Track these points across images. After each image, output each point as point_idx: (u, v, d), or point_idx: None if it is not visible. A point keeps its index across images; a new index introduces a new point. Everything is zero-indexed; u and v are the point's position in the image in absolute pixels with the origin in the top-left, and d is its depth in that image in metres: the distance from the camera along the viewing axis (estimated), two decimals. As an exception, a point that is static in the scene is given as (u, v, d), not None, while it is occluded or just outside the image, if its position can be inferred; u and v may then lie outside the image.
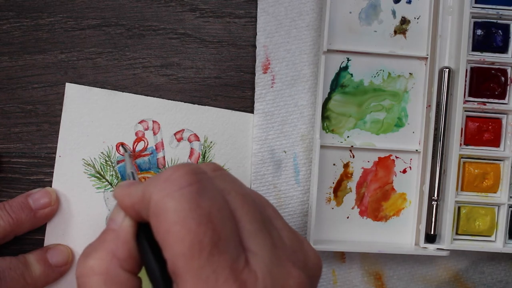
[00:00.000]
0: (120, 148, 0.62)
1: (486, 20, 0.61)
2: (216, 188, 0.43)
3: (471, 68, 0.62)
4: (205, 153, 0.63)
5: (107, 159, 0.62)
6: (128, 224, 0.45)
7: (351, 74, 0.62)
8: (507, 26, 0.61)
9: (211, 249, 0.39)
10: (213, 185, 0.43)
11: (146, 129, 0.63)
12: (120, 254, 0.44)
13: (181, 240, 0.39)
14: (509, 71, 0.62)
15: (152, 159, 0.63)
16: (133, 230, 0.45)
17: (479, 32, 0.61)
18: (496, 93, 0.62)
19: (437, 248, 0.61)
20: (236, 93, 0.64)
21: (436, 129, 0.62)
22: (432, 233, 0.62)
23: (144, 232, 0.45)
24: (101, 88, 0.62)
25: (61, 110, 0.62)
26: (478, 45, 0.61)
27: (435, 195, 0.61)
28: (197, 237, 0.39)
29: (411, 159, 0.63)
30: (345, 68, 0.62)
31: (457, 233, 0.62)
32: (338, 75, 0.62)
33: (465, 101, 0.61)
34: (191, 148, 0.63)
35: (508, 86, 0.62)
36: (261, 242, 0.41)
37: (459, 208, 0.62)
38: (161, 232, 0.40)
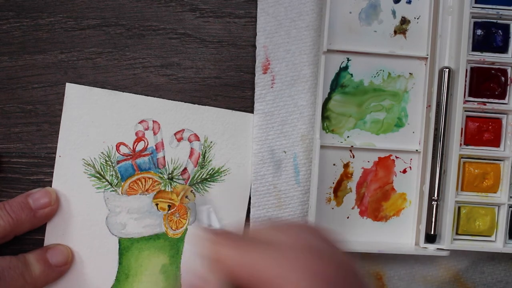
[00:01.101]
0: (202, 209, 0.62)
1: (486, 20, 0.61)
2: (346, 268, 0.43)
3: (471, 68, 0.62)
4: (205, 153, 0.63)
5: (107, 159, 0.62)
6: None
7: (351, 74, 0.62)
8: (507, 26, 0.62)
9: None
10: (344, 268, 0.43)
11: (146, 129, 0.63)
12: None
13: None
14: (509, 71, 0.62)
15: (152, 159, 0.63)
16: None
17: (479, 32, 0.61)
18: (496, 93, 0.62)
19: (437, 248, 0.62)
20: (236, 93, 0.64)
21: (436, 129, 0.62)
22: (432, 233, 0.62)
23: None
24: (101, 88, 0.62)
25: (61, 110, 0.62)
26: (478, 45, 0.61)
27: (435, 195, 0.61)
28: None
29: (411, 159, 0.63)
30: (345, 68, 0.62)
31: (457, 233, 0.62)
32: (338, 75, 0.62)
33: (465, 101, 0.61)
34: (191, 148, 0.63)
35: (508, 86, 0.62)
36: None
37: (459, 208, 0.62)
38: None
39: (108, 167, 0.62)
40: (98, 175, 0.62)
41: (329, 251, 0.43)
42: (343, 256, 0.44)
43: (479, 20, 0.61)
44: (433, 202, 0.62)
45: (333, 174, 0.63)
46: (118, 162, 0.63)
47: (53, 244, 0.62)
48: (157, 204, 0.63)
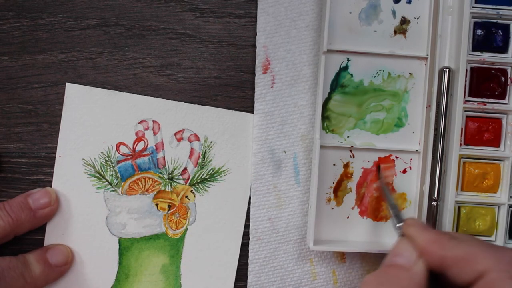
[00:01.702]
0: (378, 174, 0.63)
1: (486, 20, 0.61)
2: None
3: (471, 68, 0.62)
4: (205, 153, 0.63)
5: (107, 159, 0.62)
6: (423, 268, 0.46)
7: (351, 74, 0.62)
8: (507, 26, 0.61)
9: None
10: None
11: (146, 129, 0.63)
12: None
13: None
14: (509, 71, 0.62)
15: (152, 159, 0.63)
16: (427, 275, 0.46)
17: (479, 32, 0.61)
18: (496, 93, 0.62)
19: (437, 248, 0.61)
20: (236, 93, 0.64)
21: (436, 129, 0.62)
22: (432, 233, 0.62)
23: (434, 284, 0.45)
24: (101, 88, 0.63)
25: (61, 110, 0.62)
26: (478, 45, 0.61)
27: (435, 195, 0.61)
28: None
29: (411, 159, 0.63)
30: (345, 68, 0.62)
31: (457, 233, 0.62)
32: (338, 75, 0.62)
33: (465, 101, 0.61)
34: (191, 148, 0.63)
35: (508, 86, 0.62)
36: None
37: (459, 208, 0.62)
38: None
39: (108, 167, 0.63)
40: (98, 175, 0.62)
41: None
42: None
43: (479, 20, 0.61)
44: (433, 202, 0.62)
45: (333, 174, 0.63)
46: (118, 162, 0.63)
47: (53, 244, 0.62)
48: (157, 204, 0.63)
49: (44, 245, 0.62)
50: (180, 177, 0.63)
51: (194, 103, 0.63)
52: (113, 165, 0.63)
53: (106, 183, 0.63)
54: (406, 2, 0.62)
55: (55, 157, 0.62)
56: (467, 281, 0.44)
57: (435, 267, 0.46)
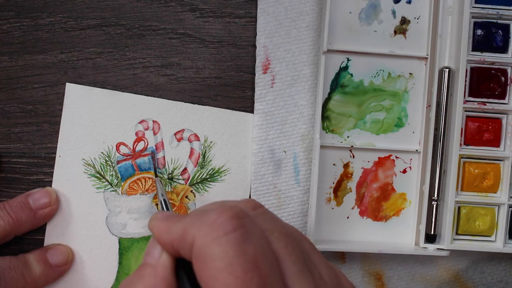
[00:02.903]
0: (154, 173, 0.63)
1: (486, 20, 0.61)
2: (260, 229, 0.42)
3: (471, 68, 0.62)
4: (205, 153, 0.63)
5: (107, 159, 0.62)
6: (166, 259, 0.45)
7: (351, 74, 0.62)
8: (507, 26, 0.61)
9: None
10: (257, 228, 0.42)
11: (146, 129, 0.63)
12: None
13: (227, 287, 0.39)
14: (509, 71, 0.62)
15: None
16: (171, 265, 0.45)
17: (479, 32, 0.61)
18: (496, 93, 0.62)
19: (437, 248, 0.62)
20: (236, 93, 0.64)
21: (436, 129, 0.62)
22: (432, 233, 0.62)
23: (183, 268, 0.44)
24: (101, 88, 0.62)
25: (61, 110, 0.62)
26: (478, 45, 0.61)
27: (435, 195, 0.61)
28: (244, 284, 0.39)
29: (411, 159, 0.63)
30: (345, 68, 0.62)
31: (457, 233, 0.62)
32: (338, 75, 0.62)
33: (465, 101, 0.61)
34: (191, 148, 0.63)
35: (508, 86, 0.62)
36: (304, 283, 0.41)
37: (459, 208, 0.62)
38: (206, 278, 0.40)
39: (108, 167, 0.62)
40: (98, 175, 0.62)
41: (257, 224, 0.43)
42: (271, 233, 0.43)
43: (479, 20, 0.61)
44: (433, 202, 0.62)
45: (333, 174, 0.63)
46: (118, 162, 0.63)
47: (53, 244, 0.62)
48: (157, 204, 0.63)
49: (44, 245, 0.62)
50: (180, 177, 0.63)
51: (194, 103, 0.63)
52: (113, 165, 0.63)
53: (106, 183, 0.63)
54: (406, 2, 0.62)
55: (55, 157, 0.62)
56: (190, 258, 0.43)
57: (179, 255, 0.45)
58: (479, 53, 0.62)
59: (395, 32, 0.63)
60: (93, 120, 0.62)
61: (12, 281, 0.57)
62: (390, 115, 0.63)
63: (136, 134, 0.63)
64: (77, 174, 0.62)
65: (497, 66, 0.62)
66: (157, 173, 0.63)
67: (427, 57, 0.62)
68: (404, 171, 0.63)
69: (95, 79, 0.62)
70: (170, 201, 0.63)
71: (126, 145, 0.63)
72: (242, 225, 0.41)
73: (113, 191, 0.63)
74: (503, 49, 0.62)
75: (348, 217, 0.63)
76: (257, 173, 0.63)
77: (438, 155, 0.61)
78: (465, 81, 0.61)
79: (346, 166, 0.63)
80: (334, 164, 0.63)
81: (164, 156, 0.63)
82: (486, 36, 0.61)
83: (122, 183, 0.63)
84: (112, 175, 0.63)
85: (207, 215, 0.42)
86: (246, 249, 0.40)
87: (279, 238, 0.42)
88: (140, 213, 0.63)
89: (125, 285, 0.45)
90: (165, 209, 0.57)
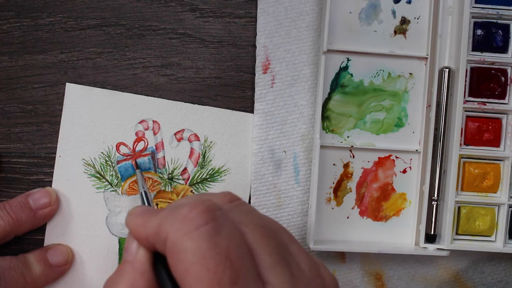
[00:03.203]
0: (134, 162, 0.62)
1: (486, 20, 0.61)
2: (233, 222, 0.43)
3: (471, 68, 0.62)
4: (205, 153, 0.63)
5: (107, 159, 0.62)
6: (143, 254, 0.45)
7: (351, 74, 0.62)
8: (507, 26, 0.61)
9: (230, 287, 0.39)
10: (230, 220, 0.42)
11: (146, 129, 0.63)
12: (139, 286, 0.44)
13: (200, 280, 0.39)
14: (509, 71, 0.62)
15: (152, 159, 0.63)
16: (149, 260, 0.45)
17: (479, 32, 0.61)
18: (496, 93, 0.62)
19: (437, 248, 0.62)
20: (236, 93, 0.64)
21: (436, 129, 0.62)
22: (432, 233, 0.62)
23: (161, 262, 0.44)
24: (101, 88, 0.62)
25: (61, 110, 0.62)
26: (478, 45, 0.61)
27: (435, 195, 0.61)
28: (216, 276, 0.39)
29: (411, 159, 0.63)
30: (345, 68, 0.62)
31: (457, 233, 0.62)
32: (338, 75, 0.62)
33: (465, 101, 0.61)
34: (191, 148, 0.63)
35: (508, 86, 0.62)
36: (280, 274, 0.41)
37: (459, 208, 0.62)
38: (180, 271, 0.40)
39: (108, 167, 0.62)
40: (98, 175, 0.62)
41: (229, 217, 0.43)
42: (246, 226, 0.43)
43: (479, 20, 0.61)
44: (433, 202, 0.62)
45: (333, 174, 0.63)
46: (118, 162, 0.63)
47: (53, 244, 0.62)
48: (157, 204, 0.63)
49: (44, 245, 0.62)
50: (180, 177, 0.63)
51: (194, 103, 0.63)
52: (113, 165, 0.63)
53: (106, 183, 0.63)
54: (406, 2, 0.62)
55: (55, 157, 0.62)
56: (165, 253, 0.43)
57: (155, 250, 0.45)
58: (479, 53, 0.62)
59: (395, 32, 0.63)
60: (93, 120, 0.62)
61: (12, 281, 0.57)
62: (390, 115, 0.63)
63: (136, 134, 0.63)
64: (77, 174, 0.62)
65: (497, 66, 0.62)
66: (139, 166, 0.63)
67: (427, 57, 0.62)
68: (404, 171, 0.63)
69: (95, 79, 0.62)
70: (170, 201, 0.63)
71: (126, 145, 0.63)
72: (213, 218, 0.41)
73: (113, 191, 0.63)
74: (503, 49, 0.62)
75: (348, 217, 0.63)
76: (257, 173, 0.63)
77: (438, 155, 0.61)
78: (465, 81, 0.61)
79: (346, 166, 0.63)
80: (334, 164, 0.63)
81: (164, 156, 0.63)
82: (486, 36, 0.61)
83: (122, 183, 0.63)
84: (112, 175, 0.63)
85: (180, 210, 0.42)
86: (218, 241, 0.40)
87: (254, 230, 0.43)
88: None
89: (108, 285, 0.45)
90: (145, 202, 0.57)
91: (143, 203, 0.56)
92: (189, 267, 0.39)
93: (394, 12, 0.62)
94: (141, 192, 0.57)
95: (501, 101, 0.62)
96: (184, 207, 0.42)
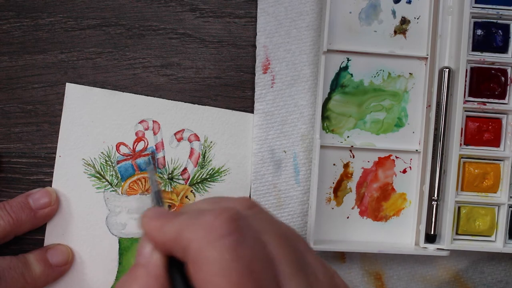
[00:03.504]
0: (147, 159, 0.62)
1: (486, 20, 0.61)
2: (255, 232, 0.42)
3: (471, 68, 0.62)
4: (205, 153, 0.63)
5: (107, 159, 0.62)
6: (158, 258, 0.44)
7: (351, 74, 0.62)
8: (507, 26, 0.61)
9: None
10: (252, 230, 0.42)
11: (146, 129, 0.63)
12: None
13: None
14: (509, 71, 0.62)
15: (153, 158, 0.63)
16: (164, 264, 0.44)
17: (479, 32, 0.61)
18: (496, 93, 0.62)
19: (437, 248, 0.61)
20: (236, 93, 0.64)
21: (436, 129, 0.62)
22: (432, 233, 0.62)
23: (176, 267, 0.44)
24: (101, 88, 0.63)
25: (61, 110, 0.62)
26: (478, 45, 0.61)
27: (435, 195, 0.61)
28: None
29: (411, 159, 0.63)
30: (345, 68, 0.62)
31: (457, 233, 0.62)
32: (338, 75, 0.62)
33: (465, 101, 0.61)
34: (191, 148, 0.63)
35: (508, 86, 0.62)
36: (299, 284, 0.41)
37: (459, 208, 0.62)
38: (201, 280, 0.39)
39: (108, 167, 0.63)
40: (98, 175, 0.62)
41: (253, 225, 0.43)
42: (268, 235, 0.43)
43: (479, 20, 0.61)
44: (433, 202, 0.62)
45: (333, 174, 0.63)
46: (118, 162, 0.63)
47: (53, 244, 0.62)
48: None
49: (44, 245, 0.62)
50: (180, 177, 0.63)
51: (194, 103, 0.63)
52: (113, 165, 0.63)
53: (106, 183, 0.63)
54: (406, 2, 0.62)
55: (55, 157, 0.62)
56: (184, 259, 0.42)
57: (171, 254, 0.44)
58: (479, 53, 0.62)
59: (395, 32, 0.63)
60: (93, 120, 0.62)
61: (12, 281, 0.57)
62: (390, 115, 0.63)
63: (136, 134, 0.63)
64: (77, 174, 0.62)
65: (497, 66, 0.62)
66: (151, 163, 0.62)
67: (427, 57, 0.62)
68: (404, 171, 0.63)
69: (95, 79, 0.63)
70: (170, 201, 0.63)
71: (126, 145, 0.63)
72: (238, 228, 0.41)
73: (113, 191, 0.63)
74: (503, 49, 0.62)
75: (348, 217, 0.63)
76: (257, 173, 0.63)
77: (438, 155, 0.61)
78: (465, 81, 0.61)
79: (346, 166, 0.63)
80: (334, 164, 0.63)
81: (164, 156, 0.63)
82: (486, 36, 0.61)
83: (122, 183, 0.63)
84: (112, 175, 0.63)
85: (203, 217, 0.41)
86: (242, 253, 0.39)
87: (274, 240, 0.42)
88: (140, 213, 0.62)
89: (120, 287, 0.45)
90: (157, 203, 0.54)
91: (157, 203, 0.53)
92: (211, 278, 0.39)
93: (394, 12, 0.62)
94: (154, 192, 0.53)
95: (501, 101, 0.62)
96: (208, 214, 0.41)
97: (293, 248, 0.43)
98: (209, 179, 0.64)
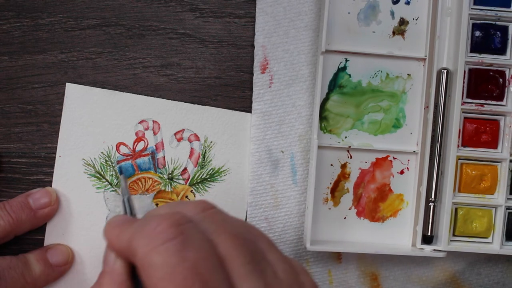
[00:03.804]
0: (118, 168, 0.63)
1: (485, 21, 0.61)
2: (203, 234, 0.42)
3: (469, 70, 0.61)
4: (205, 153, 0.64)
5: (107, 159, 0.63)
6: (120, 265, 0.45)
7: (349, 75, 0.62)
8: (506, 27, 0.61)
9: None
10: (200, 232, 0.42)
11: (146, 129, 0.63)
12: None
13: None
14: (507, 72, 0.61)
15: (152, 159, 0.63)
16: (127, 270, 0.45)
17: (477, 33, 0.61)
18: (494, 94, 0.62)
19: (434, 250, 0.62)
20: (236, 93, 0.64)
21: (434, 130, 0.62)
22: (429, 234, 0.62)
23: (138, 273, 0.44)
24: (101, 88, 0.63)
25: (61, 110, 0.62)
26: (477, 46, 0.61)
27: (432, 196, 0.62)
28: None
29: (408, 160, 0.63)
30: (343, 68, 0.62)
31: (454, 235, 0.62)
32: (336, 75, 0.62)
33: (463, 103, 0.61)
34: (191, 148, 0.64)
35: (506, 88, 0.62)
36: (253, 283, 0.41)
37: (456, 209, 0.62)
38: (150, 286, 0.40)
39: (108, 167, 0.63)
40: (98, 175, 0.63)
41: (200, 229, 0.43)
42: (219, 237, 0.43)
43: (478, 21, 0.61)
44: (430, 203, 0.62)
45: (330, 175, 0.63)
46: (118, 162, 0.63)
47: (53, 244, 0.62)
48: (157, 204, 0.63)
49: (44, 245, 0.62)
50: (180, 177, 0.64)
51: (194, 103, 0.64)
52: (113, 165, 0.63)
53: (106, 183, 0.63)
54: (405, 3, 0.62)
55: (55, 157, 0.62)
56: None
57: (131, 261, 0.44)
58: (477, 55, 0.61)
59: (394, 33, 0.62)
60: (93, 120, 0.63)
61: (12, 281, 0.57)
62: (388, 116, 0.63)
63: (136, 134, 0.63)
64: (77, 174, 0.63)
65: (495, 68, 0.61)
66: (122, 172, 0.63)
67: (426, 58, 0.62)
68: (402, 172, 0.63)
69: (95, 79, 0.63)
70: (170, 201, 0.63)
71: (126, 145, 0.63)
72: (181, 232, 0.41)
73: (113, 191, 0.63)
74: (501, 51, 0.61)
75: (345, 218, 0.64)
76: (254, 173, 0.63)
77: (436, 156, 0.61)
78: (463, 82, 0.61)
79: (343, 166, 0.63)
80: (331, 165, 0.63)
81: (164, 156, 0.63)
82: (484, 38, 0.61)
83: (122, 183, 0.63)
84: (112, 175, 0.63)
85: (148, 224, 0.42)
86: (186, 255, 0.39)
87: (226, 240, 0.42)
88: (140, 213, 0.63)
89: None
90: (125, 210, 0.55)
91: (125, 211, 0.55)
92: (157, 282, 0.39)
93: (392, 13, 0.62)
94: (123, 199, 0.55)
95: (499, 102, 0.62)
96: (152, 221, 0.42)
97: (250, 248, 0.43)
98: (209, 179, 0.64)
